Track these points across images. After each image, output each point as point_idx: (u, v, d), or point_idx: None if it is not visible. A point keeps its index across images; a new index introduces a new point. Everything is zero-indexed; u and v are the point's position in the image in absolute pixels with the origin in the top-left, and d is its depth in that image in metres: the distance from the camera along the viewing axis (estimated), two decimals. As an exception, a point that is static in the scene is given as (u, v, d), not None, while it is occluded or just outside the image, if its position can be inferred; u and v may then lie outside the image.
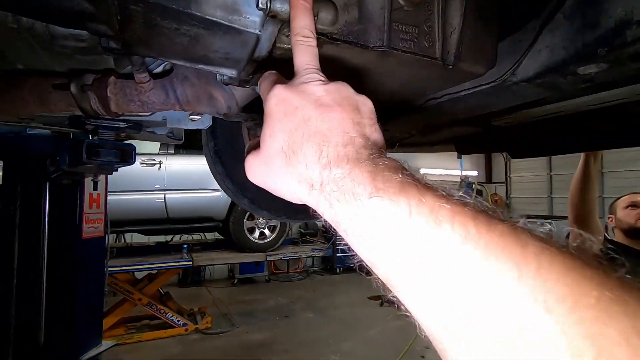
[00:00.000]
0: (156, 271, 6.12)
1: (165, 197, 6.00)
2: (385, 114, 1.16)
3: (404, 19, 0.66)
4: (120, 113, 1.05)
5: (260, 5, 0.54)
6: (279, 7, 0.55)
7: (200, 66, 0.78)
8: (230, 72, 0.79)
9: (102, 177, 2.83)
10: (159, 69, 1.04)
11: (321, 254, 8.82)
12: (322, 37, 0.61)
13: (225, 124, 1.72)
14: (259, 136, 0.49)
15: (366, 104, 0.48)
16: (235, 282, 9.57)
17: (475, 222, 0.31)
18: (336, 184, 0.39)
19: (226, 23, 0.58)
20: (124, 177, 5.18)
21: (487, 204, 0.34)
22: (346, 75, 0.77)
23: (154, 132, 1.66)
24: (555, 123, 1.63)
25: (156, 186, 5.95)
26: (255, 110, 1.22)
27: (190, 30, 0.61)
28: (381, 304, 7.51)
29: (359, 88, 0.85)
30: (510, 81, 0.77)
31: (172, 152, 6.14)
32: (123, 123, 1.30)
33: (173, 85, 1.01)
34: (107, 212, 3.05)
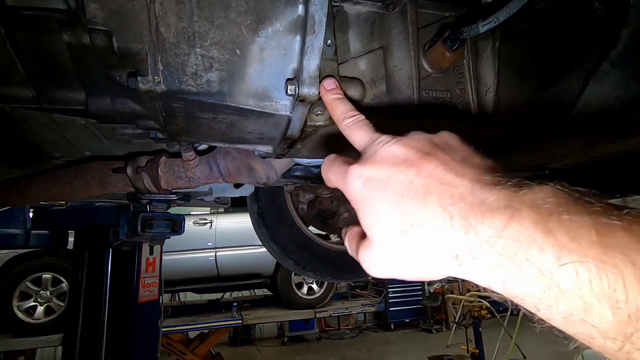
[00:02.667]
0: (208, 330, 6.13)
1: (216, 255, 6.17)
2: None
3: (433, 85, 0.66)
4: (169, 189, 1.12)
5: (289, 92, 0.57)
6: (307, 91, 0.57)
7: (238, 146, 0.82)
8: (266, 149, 0.82)
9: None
10: (204, 146, 1.12)
11: (373, 309, 8.33)
12: (352, 113, 0.62)
13: (268, 188, 1.77)
14: (356, 224, 0.43)
15: (451, 137, 0.42)
16: (285, 340, 9.24)
17: None
18: (495, 248, 0.30)
19: (259, 110, 0.61)
20: (178, 237, 5.46)
21: None
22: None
23: (202, 200, 1.75)
24: (622, 161, 1.48)
25: (207, 244, 6.17)
26: (293, 176, 1.25)
27: (227, 118, 0.65)
28: (444, 366, 6.75)
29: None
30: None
31: (222, 210, 6.43)
32: (174, 196, 1.39)
33: (216, 160, 1.07)
34: (161, 275, 3.19)
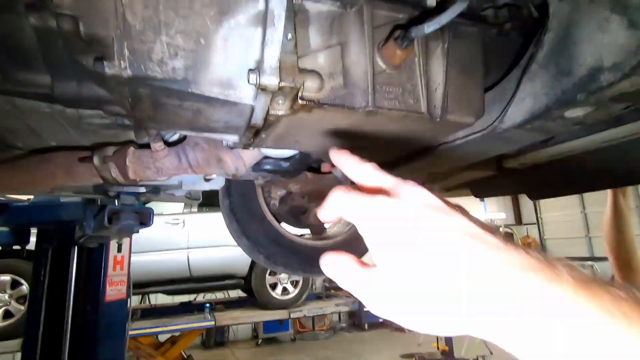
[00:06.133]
0: (179, 333, 5.99)
1: (188, 255, 6.06)
2: (388, 166, 1.19)
3: (387, 80, 0.71)
4: (137, 180, 1.12)
5: (250, 81, 0.61)
6: (268, 81, 0.61)
7: (205, 134, 0.85)
8: (233, 138, 0.85)
9: (126, 240, 2.93)
10: (175, 137, 1.14)
11: (347, 308, 8.40)
12: (310, 103, 0.66)
13: (239, 183, 1.79)
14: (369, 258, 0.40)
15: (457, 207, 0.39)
16: (260, 342, 9.17)
17: None
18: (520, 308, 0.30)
19: (223, 97, 0.65)
20: (149, 237, 5.32)
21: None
22: (339, 134, 0.82)
23: (172, 194, 1.75)
24: (571, 162, 1.60)
25: (180, 244, 6.05)
26: (262, 170, 1.28)
27: (193, 105, 0.68)
28: (415, 363, 6.93)
29: (354, 144, 0.90)
30: (500, 128, 0.79)
31: (195, 210, 6.33)
32: (143, 188, 1.39)
33: (185, 151, 1.09)
34: (130, 274, 3.11)
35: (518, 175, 1.98)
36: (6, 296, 4.33)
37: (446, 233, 0.35)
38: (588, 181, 1.87)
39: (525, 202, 13.82)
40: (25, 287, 4.31)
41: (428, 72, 0.75)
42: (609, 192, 2.44)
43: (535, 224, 13.49)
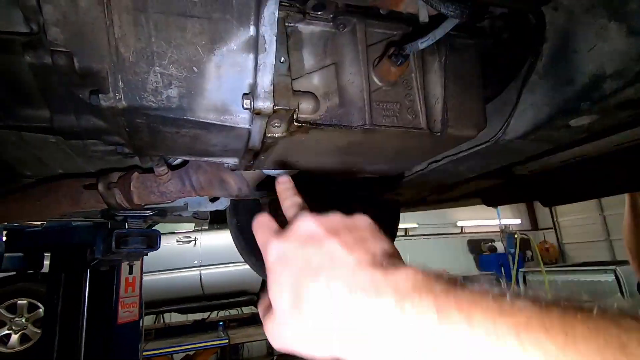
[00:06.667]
0: (193, 352, 5.95)
1: (200, 273, 6.06)
2: (391, 181, 1.17)
3: (384, 97, 0.71)
4: (142, 204, 1.13)
5: (245, 106, 0.60)
6: (262, 105, 0.61)
7: (205, 159, 0.85)
8: (232, 161, 0.85)
9: (137, 261, 2.95)
10: (178, 161, 1.15)
11: (362, 322, 8.25)
12: (307, 124, 0.66)
13: (245, 201, 1.79)
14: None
15: (362, 219, 0.45)
16: (275, 359, 9.04)
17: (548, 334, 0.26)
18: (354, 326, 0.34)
19: (219, 123, 0.65)
20: (161, 257, 5.35)
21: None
22: (338, 153, 0.81)
23: (180, 215, 1.75)
24: (584, 165, 1.56)
25: (193, 262, 6.07)
26: (266, 189, 1.28)
27: (189, 132, 0.68)
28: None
29: (353, 162, 0.88)
30: (503, 140, 0.77)
31: (207, 227, 6.35)
32: (149, 212, 1.40)
33: (188, 174, 1.09)
34: (142, 295, 3.11)
35: (529, 182, 1.93)
36: (23, 319, 4.38)
37: (314, 261, 0.39)
38: (602, 185, 1.81)
39: (541, 206, 13.47)
40: (42, 311, 4.35)
41: (426, 87, 0.74)
42: (626, 197, 2.36)
43: (552, 228, 13.14)
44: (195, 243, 6.16)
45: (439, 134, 0.73)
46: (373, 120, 0.68)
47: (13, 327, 4.33)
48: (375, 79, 0.70)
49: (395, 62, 0.65)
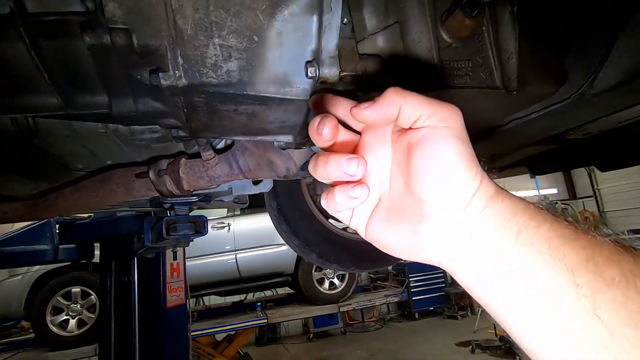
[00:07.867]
0: (234, 332, 6.21)
1: (236, 257, 6.24)
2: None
3: (454, 55, 0.64)
4: (192, 190, 1.13)
5: (309, 74, 0.56)
6: (327, 72, 0.56)
7: (259, 138, 0.82)
8: (287, 138, 0.81)
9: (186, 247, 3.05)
10: (222, 145, 1.13)
11: (396, 299, 8.30)
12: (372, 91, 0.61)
13: (284, 183, 1.77)
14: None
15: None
16: (311, 336, 9.30)
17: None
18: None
19: (279, 96, 0.61)
20: (198, 243, 5.53)
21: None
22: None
23: (222, 200, 1.76)
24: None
25: (227, 247, 6.25)
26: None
27: (248, 109, 0.65)
28: (472, 351, 6.70)
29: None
30: (589, 94, 0.69)
31: (239, 213, 6.49)
32: (195, 197, 1.40)
33: (235, 157, 1.07)
34: (186, 280, 3.24)
35: (583, 146, 1.80)
36: (78, 306, 4.70)
37: None
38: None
39: (579, 174, 12.83)
40: (93, 297, 4.65)
41: (498, 41, 0.67)
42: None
43: (591, 197, 12.51)
44: (229, 228, 6.32)
45: (515, 92, 0.66)
46: (445, 82, 0.62)
47: (70, 313, 4.66)
48: (444, 36, 0.63)
49: (470, 13, 0.58)
